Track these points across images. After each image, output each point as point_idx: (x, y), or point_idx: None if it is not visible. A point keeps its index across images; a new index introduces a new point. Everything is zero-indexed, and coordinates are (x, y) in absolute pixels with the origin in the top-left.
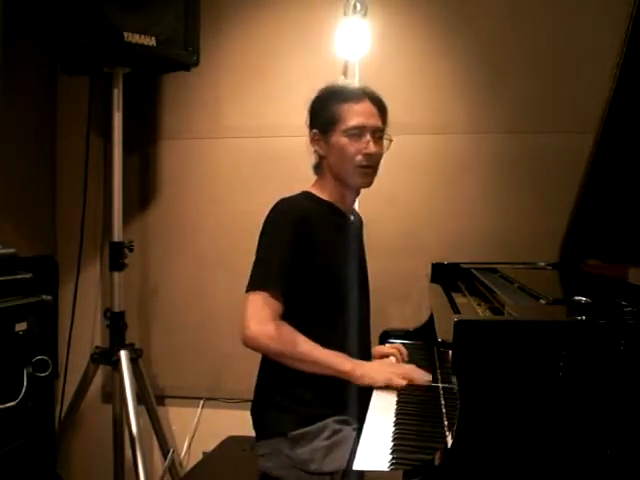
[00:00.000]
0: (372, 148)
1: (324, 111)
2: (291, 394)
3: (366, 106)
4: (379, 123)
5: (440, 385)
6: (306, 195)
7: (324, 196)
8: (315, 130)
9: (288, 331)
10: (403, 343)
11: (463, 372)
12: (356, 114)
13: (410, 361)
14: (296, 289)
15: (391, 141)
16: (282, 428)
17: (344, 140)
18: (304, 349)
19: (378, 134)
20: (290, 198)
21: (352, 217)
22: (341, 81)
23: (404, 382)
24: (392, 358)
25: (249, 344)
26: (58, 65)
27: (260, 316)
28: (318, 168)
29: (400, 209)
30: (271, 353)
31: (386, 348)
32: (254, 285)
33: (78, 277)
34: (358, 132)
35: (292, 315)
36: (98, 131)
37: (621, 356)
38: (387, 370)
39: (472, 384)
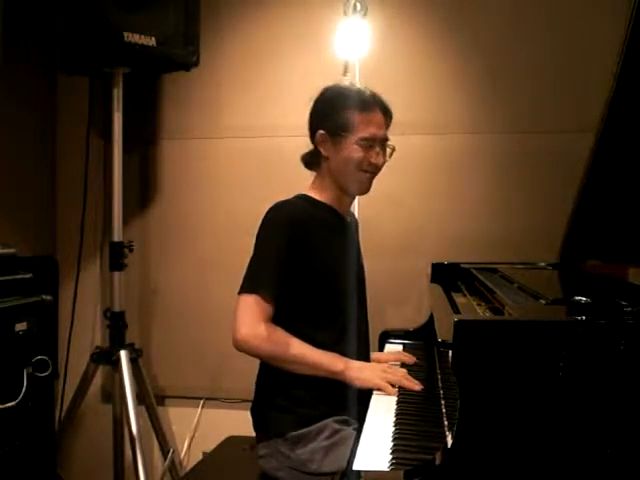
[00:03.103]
0: (380, 159)
1: (336, 115)
2: (290, 395)
3: (378, 116)
4: (386, 133)
5: (441, 392)
6: (302, 198)
7: (321, 198)
8: (323, 131)
9: (279, 333)
10: (403, 343)
11: (463, 372)
12: (370, 125)
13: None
14: (292, 293)
15: (394, 150)
16: (282, 429)
17: (355, 148)
18: (295, 351)
19: (384, 143)
20: (286, 201)
21: (349, 218)
22: (349, 84)
23: (395, 391)
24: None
25: (240, 346)
26: (58, 65)
27: (251, 319)
28: (313, 164)
29: (400, 209)
30: (262, 355)
31: (386, 355)
32: (246, 288)
33: (78, 277)
34: (370, 143)
35: (289, 319)
36: (98, 131)
37: (621, 356)
38: (380, 375)
39: (472, 384)
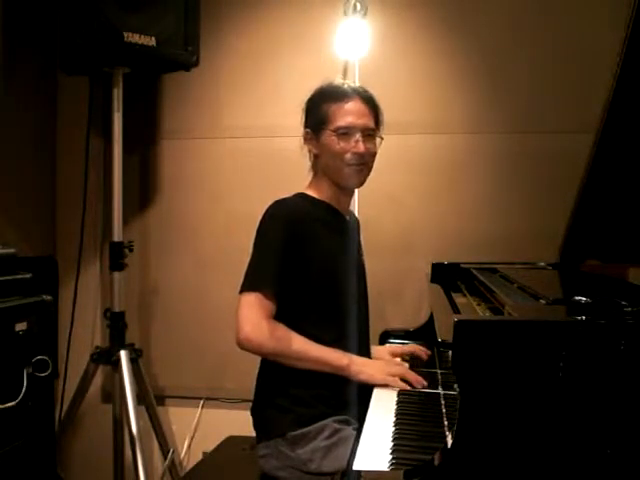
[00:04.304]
0: (361, 147)
1: (316, 111)
2: (291, 394)
3: (356, 105)
4: (369, 122)
5: (441, 392)
6: (301, 196)
7: (319, 196)
8: (307, 129)
9: (282, 330)
10: (403, 343)
11: (463, 372)
12: (345, 114)
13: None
14: (292, 290)
15: (382, 139)
16: (282, 429)
17: (333, 139)
18: (299, 347)
19: (369, 132)
20: (284, 199)
21: (348, 217)
22: (336, 80)
23: (405, 385)
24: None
25: (244, 345)
26: (58, 65)
27: (253, 317)
28: (313, 167)
29: (400, 209)
30: (266, 353)
31: (401, 348)
32: (247, 286)
33: (78, 277)
34: (347, 132)
35: (289, 316)
36: (98, 131)
37: (621, 356)
38: (385, 370)
39: (472, 384)
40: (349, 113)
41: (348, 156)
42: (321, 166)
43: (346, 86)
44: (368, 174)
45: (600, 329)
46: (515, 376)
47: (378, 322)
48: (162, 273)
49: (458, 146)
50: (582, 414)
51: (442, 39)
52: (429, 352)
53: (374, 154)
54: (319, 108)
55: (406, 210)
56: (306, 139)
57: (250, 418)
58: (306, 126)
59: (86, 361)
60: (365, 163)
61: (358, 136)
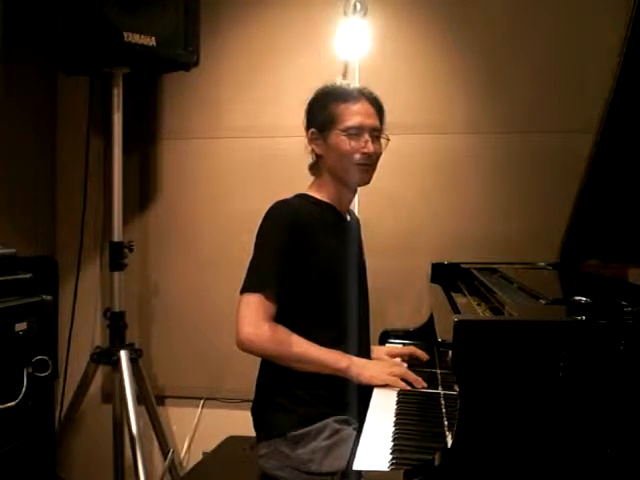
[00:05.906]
0: (370, 147)
1: (322, 111)
2: (291, 394)
3: (364, 106)
4: (376, 123)
5: (441, 392)
6: (302, 197)
7: (321, 197)
8: (313, 129)
9: (282, 332)
10: (403, 343)
11: (463, 372)
12: (354, 114)
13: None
14: (292, 291)
15: (388, 140)
16: (282, 428)
17: (342, 139)
18: (299, 349)
19: (375, 133)
20: (285, 200)
21: (349, 218)
22: (338, 81)
23: (405, 385)
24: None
25: (244, 347)
26: (58, 65)
27: (254, 318)
28: (314, 168)
29: (400, 209)
30: (266, 355)
31: (399, 349)
32: (248, 287)
33: (78, 277)
34: (356, 132)
35: (289, 317)
36: (98, 131)
37: (621, 356)
38: (385, 370)
39: (472, 384)
40: (358, 113)
41: (357, 156)
42: (326, 166)
43: (352, 87)
44: (373, 173)
45: (600, 329)
46: (515, 376)
47: (378, 322)
48: (162, 273)
49: (458, 146)
50: (582, 414)
51: (442, 39)
52: (427, 357)
53: (380, 155)
54: (325, 108)
55: (406, 210)
56: (311, 139)
57: (250, 418)
58: (310, 126)
59: (86, 361)
60: (372, 163)
61: (367, 136)
